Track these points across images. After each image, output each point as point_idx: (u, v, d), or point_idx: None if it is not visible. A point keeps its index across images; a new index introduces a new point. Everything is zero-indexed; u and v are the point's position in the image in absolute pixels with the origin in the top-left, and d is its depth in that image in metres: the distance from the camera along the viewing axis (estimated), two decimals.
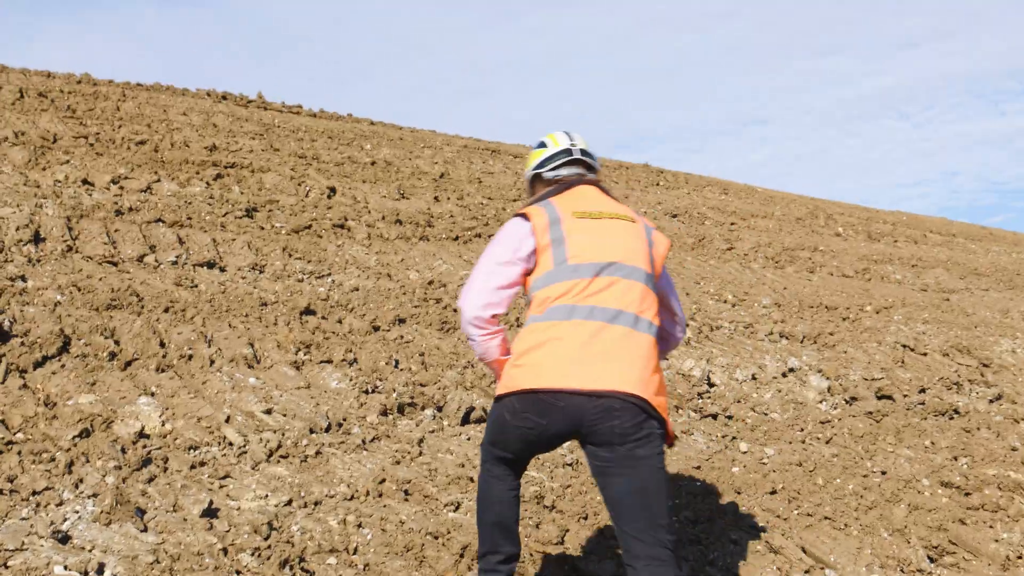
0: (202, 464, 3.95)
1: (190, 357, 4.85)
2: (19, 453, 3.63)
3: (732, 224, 12.44)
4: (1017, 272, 13.90)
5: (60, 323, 4.70)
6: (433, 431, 4.86)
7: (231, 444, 4.16)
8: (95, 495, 3.45)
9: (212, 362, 4.88)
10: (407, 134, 12.89)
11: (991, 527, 4.71)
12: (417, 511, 3.98)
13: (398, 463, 4.40)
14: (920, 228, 16.40)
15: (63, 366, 4.42)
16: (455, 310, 6.38)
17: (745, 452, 5.36)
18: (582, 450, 2.97)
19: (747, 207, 14.02)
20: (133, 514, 3.38)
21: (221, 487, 3.83)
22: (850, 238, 13.81)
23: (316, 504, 3.86)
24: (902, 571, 4.15)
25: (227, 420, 4.35)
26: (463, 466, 4.48)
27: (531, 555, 3.80)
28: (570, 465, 4.70)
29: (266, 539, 3.48)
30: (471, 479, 4.31)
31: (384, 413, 4.86)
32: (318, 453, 4.30)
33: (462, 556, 3.64)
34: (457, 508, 4.07)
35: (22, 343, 4.44)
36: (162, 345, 4.87)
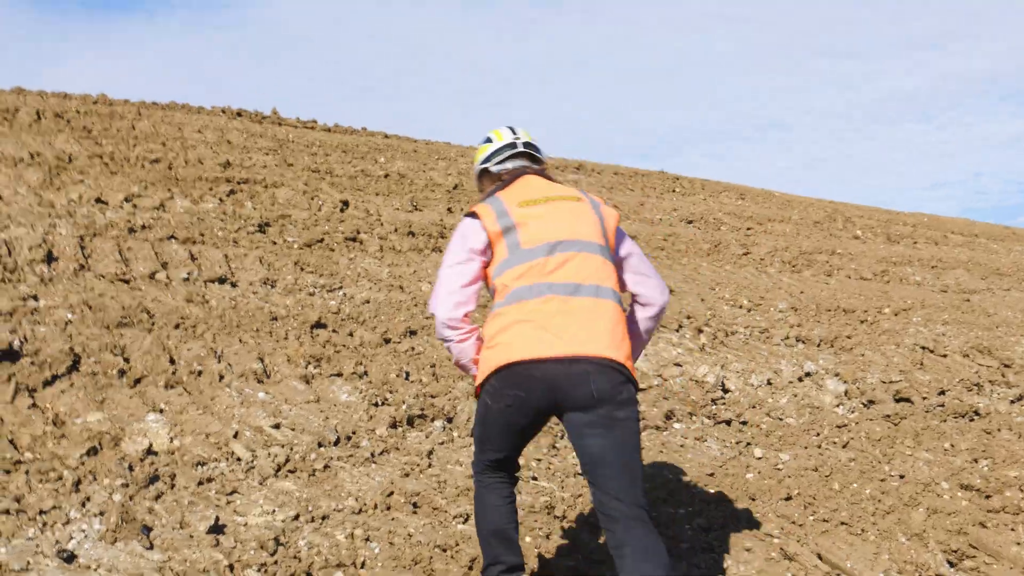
0: (209, 480, 3.96)
1: (199, 373, 4.86)
2: (27, 472, 3.65)
3: (748, 229, 12.35)
4: None
5: (70, 341, 4.73)
6: (443, 443, 4.84)
7: (239, 460, 4.16)
8: (101, 513, 3.46)
9: (221, 377, 4.89)
10: (421, 146, 12.90)
11: (1012, 530, 4.61)
12: (426, 524, 3.96)
13: (407, 475, 4.38)
14: (941, 229, 16.20)
15: (72, 384, 4.45)
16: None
17: (760, 458, 5.29)
18: (563, 426, 3.00)
19: (764, 212, 13.91)
20: (139, 532, 3.39)
21: (228, 503, 3.83)
22: (869, 241, 13.66)
23: (324, 518, 3.86)
24: None
25: (235, 435, 4.36)
26: (473, 477, 4.45)
27: (542, 566, 3.77)
28: (580, 475, 4.66)
29: (272, 555, 3.47)
30: None
31: (393, 425, 4.85)
32: (326, 467, 4.29)
33: (471, 568, 3.62)
34: (466, 520, 4.04)
35: (32, 362, 4.47)
36: (172, 362, 4.89)
